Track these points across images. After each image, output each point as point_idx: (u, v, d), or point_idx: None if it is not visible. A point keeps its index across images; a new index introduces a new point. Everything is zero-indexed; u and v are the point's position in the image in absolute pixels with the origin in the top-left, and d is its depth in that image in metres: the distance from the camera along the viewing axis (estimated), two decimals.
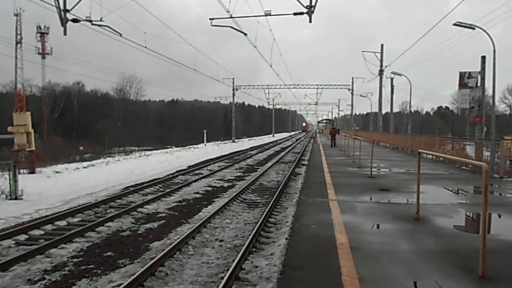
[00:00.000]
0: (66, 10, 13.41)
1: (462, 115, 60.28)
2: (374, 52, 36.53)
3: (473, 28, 15.10)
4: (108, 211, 10.53)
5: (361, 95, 54.57)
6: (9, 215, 9.95)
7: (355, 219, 7.15)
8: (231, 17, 16.96)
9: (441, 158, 17.96)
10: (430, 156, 19.15)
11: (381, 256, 5.07)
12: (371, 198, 9.28)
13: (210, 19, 17.94)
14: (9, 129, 19.74)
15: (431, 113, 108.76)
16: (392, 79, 37.14)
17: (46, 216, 9.74)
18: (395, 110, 56.06)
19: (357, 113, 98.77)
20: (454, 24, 15.66)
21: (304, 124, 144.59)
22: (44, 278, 5.90)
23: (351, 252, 5.19)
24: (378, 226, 6.70)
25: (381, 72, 36.33)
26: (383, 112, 40.34)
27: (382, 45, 36.32)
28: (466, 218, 7.67)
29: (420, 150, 7.69)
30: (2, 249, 7.30)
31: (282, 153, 30.92)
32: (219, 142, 54.22)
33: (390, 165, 17.15)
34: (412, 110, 62.39)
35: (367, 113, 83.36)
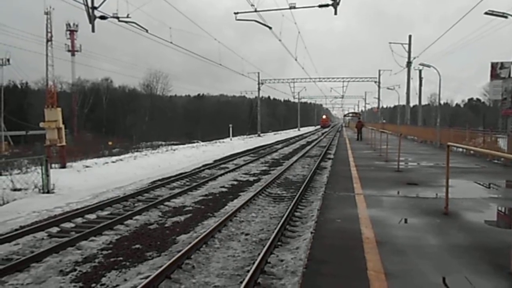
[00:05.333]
0: (94, 8, 13.64)
1: (494, 107, 58.51)
2: (402, 44, 35.73)
3: (506, 17, 14.58)
4: (136, 204, 10.73)
5: (388, 88, 53.63)
6: (42, 208, 10.29)
7: (381, 213, 7.05)
8: (255, 11, 16.91)
9: (471, 152, 17.49)
10: (460, 150, 18.68)
11: (408, 251, 5.00)
12: (398, 192, 9.12)
13: (235, 13, 17.95)
14: (41, 125, 20.32)
15: (462, 105, 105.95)
16: (420, 71, 36.28)
17: (77, 209, 10.03)
18: (424, 102, 54.73)
19: (384, 106, 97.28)
20: (486, 13, 15.16)
21: (324, 117, 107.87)
22: (75, 270, 6.08)
23: (377, 246, 5.14)
24: (405, 221, 6.59)
25: (409, 64, 35.50)
26: (411, 105, 39.46)
27: (410, 36, 35.42)
28: (498, 213, 7.45)
29: (449, 143, 7.50)
30: (35, 241, 7.57)
31: (308, 147, 30.77)
32: (245, 136, 54.37)
33: (418, 158, 16.81)
34: (442, 102, 60.84)
35: (395, 106, 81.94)
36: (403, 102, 43.66)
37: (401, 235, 5.72)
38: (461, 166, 13.68)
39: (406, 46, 35.38)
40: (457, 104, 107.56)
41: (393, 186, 9.94)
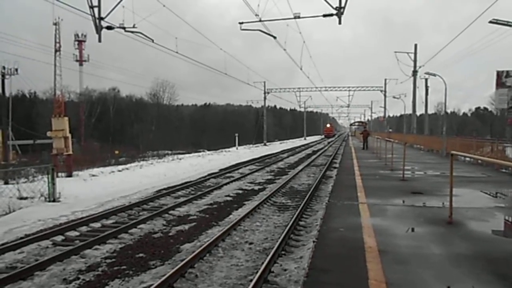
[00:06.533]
0: (100, 18, 13.81)
1: (502, 115, 58.12)
2: (408, 53, 35.71)
3: (510, 25, 14.56)
4: (141, 213, 10.75)
5: (394, 97, 53.40)
6: (47, 217, 10.32)
7: (384, 222, 7.03)
8: (260, 20, 17.04)
9: (479, 161, 17.37)
10: (468, 159, 18.55)
11: (410, 260, 4.97)
12: (403, 202, 9.08)
13: (240, 23, 18.09)
14: (48, 134, 20.48)
15: (469, 114, 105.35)
16: (426, 79, 36.23)
17: (82, 218, 10.06)
18: (431, 111, 54.50)
19: (391, 115, 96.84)
20: (490, 22, 15.15)
21: (328, 126, 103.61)
22: (79, 278, 6.09)
23: (379, 255, 5.12)
24: (408, 230, 6.56)
25: (414, 72, 35.46)
26: (418, 113, 39.30)
27: (415, 45, 35.48)
28: (505, 223, 7.38)
29: (453, 152, 7.49)
30: (40, 249, 7.59)
31: (314, 156, 30.73)
32: (251, 145, 54.36)
33: (423, 167, 16.73)
34: (449, 111, 60.48)
35: (401, 115, 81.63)
36: (409, 111, 43.52)
37: (404, 244, 5.70)
38: (467, 175, 13.59)
39: (412, 55, 35.39)
40: (464, 113, 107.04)
41: (398, 195, 9.90)
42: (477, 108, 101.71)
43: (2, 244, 7.74)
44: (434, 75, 29.73)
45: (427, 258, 5.06)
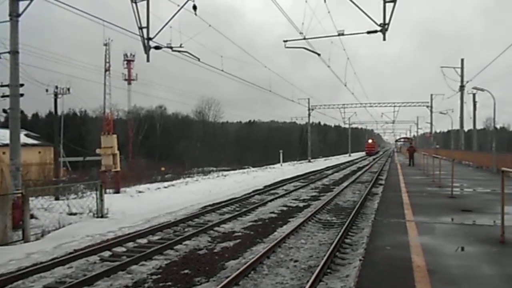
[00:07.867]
0: (149, 38, 14.35)
1: None
2: (454, 68, 34.59)
3: None
4: (186, 229, 10.89)
5: (440, 112, 51.67)
6: (95, 232, 10.62)
7: (433, 241, 6.79)
8: (304, 38, 17.09)
9: None
10: None
11: (461, 281, 4.77)
12: (452, 220, 8.75)
13: (284, 41, 18.23)
14: (97, 151, 21.29)
15: None
16: (474, 94, 34.86)
17: (129, 234, 10.28)
18: (479, 127, 52.19)
19: (437, 131, 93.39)
20: None
21: (370, 141, 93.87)
22: None
23: (429, 275, 4.94)
24: (458, 249, 6.30)
25: (461, 88, 34.25)
26: (466, 129, 37.78)
27: (462, 60, 34.29)
28: None
29: (504, 169, 7.18)
30: (88, 264, 7.78)
31: (359, 173, 30.19)
32: (295, 162, 54.10)
33: (473, 184, 16.07)
34: (498, 126, 57.56)
35: (448, 131, 78.54)
36: (456, 126, 41.91)
37: (454, 264, 5.48)
38: None
39: (459, 70, 34.26)
40: None
41: (446, 212, 9.56)
42: None
43: (52, 259, 7.95)
44: (482, 90, 28.67)
45: (479, 279, 4.84)
